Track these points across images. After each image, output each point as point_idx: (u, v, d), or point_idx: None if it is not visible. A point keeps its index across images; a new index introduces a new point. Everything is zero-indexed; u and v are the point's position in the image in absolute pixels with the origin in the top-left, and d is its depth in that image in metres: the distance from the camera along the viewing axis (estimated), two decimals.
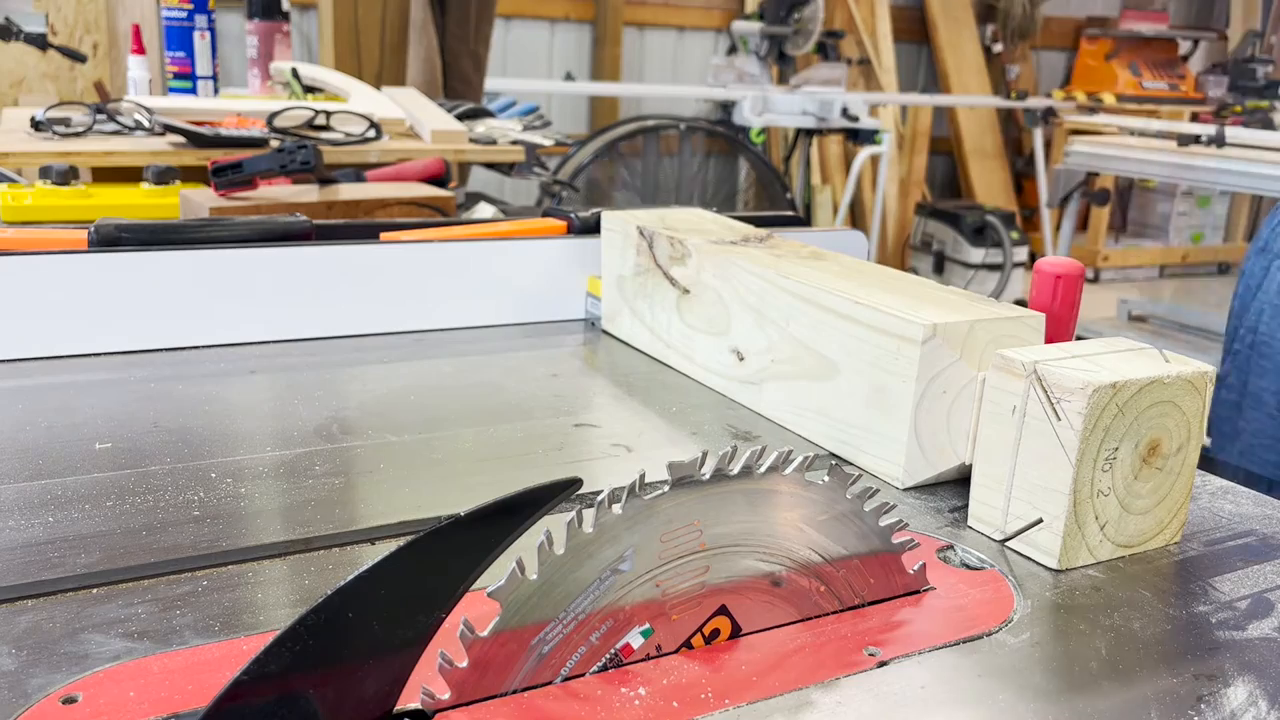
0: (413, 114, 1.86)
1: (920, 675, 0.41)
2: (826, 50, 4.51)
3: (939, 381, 0.57)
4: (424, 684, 0.37)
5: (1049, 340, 0.61)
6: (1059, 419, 0.48)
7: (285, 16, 2.41)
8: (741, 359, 0.72)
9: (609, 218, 0.86)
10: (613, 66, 4.65)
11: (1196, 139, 2.80)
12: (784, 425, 0.68)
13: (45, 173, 1.30)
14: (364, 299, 0.84)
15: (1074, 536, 0.50)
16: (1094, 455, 0.49)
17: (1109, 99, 5.03)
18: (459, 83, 2.67)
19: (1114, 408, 0.48)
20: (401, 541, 0.35)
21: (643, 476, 0.40)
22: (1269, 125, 4.39)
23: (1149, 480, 0.51)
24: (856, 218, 4.89)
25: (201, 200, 1.18)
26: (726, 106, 4.28)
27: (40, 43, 2.47)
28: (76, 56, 2.63)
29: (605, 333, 0.88)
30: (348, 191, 1.29)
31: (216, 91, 2.24)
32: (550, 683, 0.39)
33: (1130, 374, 0.49)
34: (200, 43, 2.18)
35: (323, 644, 0.34)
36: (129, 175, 1.50)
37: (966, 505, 0.58)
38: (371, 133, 1.67)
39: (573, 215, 0.99)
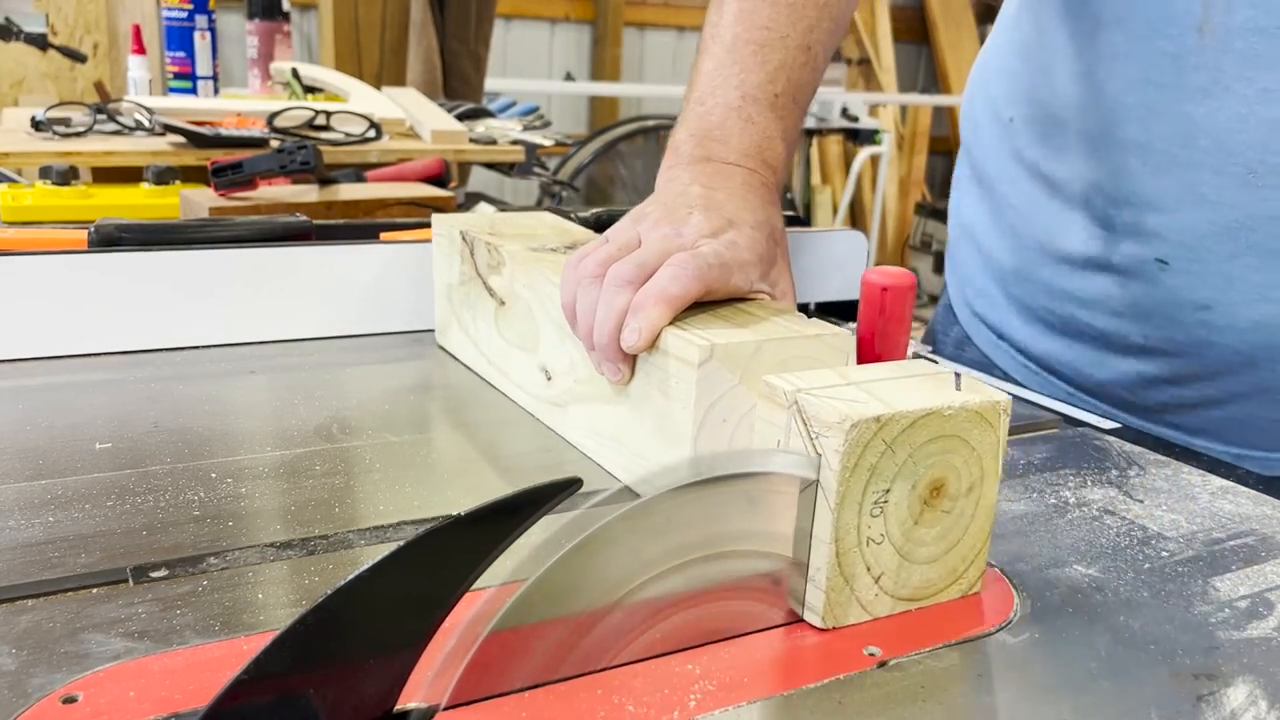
0: (413, 114, 1.86)
1: (920, 675, 0.41)
2: None
3: (719, 409, 0.51)
4: (424, 684, 0.36)
5: (876, 360, 0.54)
6: (819, 456, 0.42)
7: (285, 16, 2.41)
8: (549, 378, 0.65)
9: (438, 221, 0.78)
10: (613, 66, 4.66)
11: None
12: (586, 453, 0.62)
13: (45, 173, 1.30)
14: (364, 299, 0.84)
15: (840, 591, 0.43)
16: (859, 498, 0.42)
17: None
18: (459, 83, 2.67)
19: (880, 444, 0.42)
20: (401, 541, 0.35)
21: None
22: None
23: (934, 525, 0.45)
24: (856, 218, 4.89)
25: (201, 200, 1.18)
26: None
27: (40, 43, 2.47)
28: (77, 56, 2.63)
29: (440, 347, 0.82)
30: (348, 191, 1.29)
31: (217, 92, 2.24)
32: (550, 683, 0.39)
33: (903, 405, 0.42)
34: (200, 43, 2.18)
35: (323, 644, 0.34)
36: (129, 175, 1.50)
37: None
38: (371, 133, 1.67)
39: (573, 215, 0.99)
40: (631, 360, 0.55)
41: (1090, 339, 0.82)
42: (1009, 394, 0.47)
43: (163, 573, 0.46)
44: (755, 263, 0.57)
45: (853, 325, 0.96)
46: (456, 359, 0.79)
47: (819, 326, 0.54)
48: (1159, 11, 0.68)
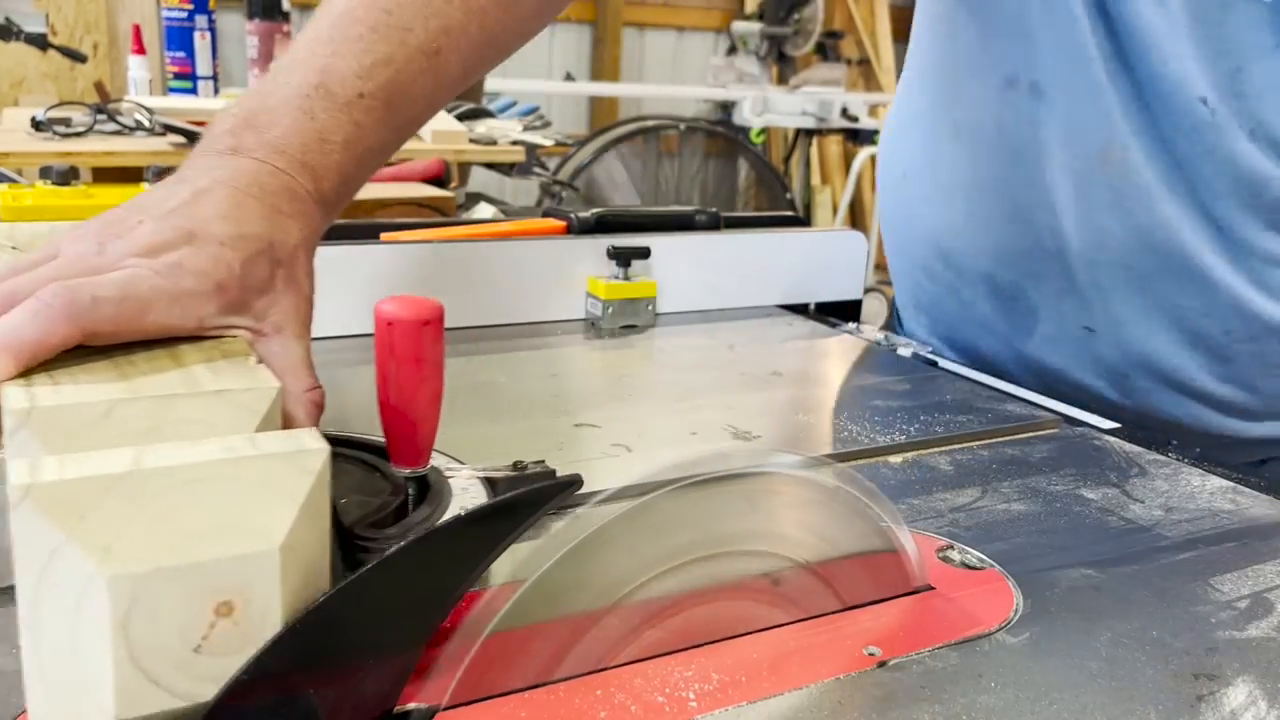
0: None
1: (920, 675, 0.41)
2: (826, 50, 4.51)
3: None
4: (424, 684, 0.37)
5: (395, 414, 0.46)
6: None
7: (285, 16, 2.41)
8: None
9: None
10: (613, 66, 4.65)
11: None
12: None
13: (45, 173, 1.30)
14: (363, 299, 0.84)
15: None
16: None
17: None
18: None
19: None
20: (402, 542, 0.35)
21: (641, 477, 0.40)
22: None
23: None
24: (856, 218, 4.89)
25: None
26: (726, 107, 4.28)
27: (40, 43, 2.47)
28: (77, 56, 2.63)
29: None
30: None
31: (217, 92, 2.24)
32: (550, 682, 0.39)
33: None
34: (200, 43, 2.18)
35: (323, 644, 0.34)
36: (129, 175, 1.50)
37: (967, 505, 0.58)
38: None
39: (573, 215, 0.99)
40: None
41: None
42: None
43: None
44: (210, 292, 0.45)
45: (852, 326, 0.96)
46: None
47: (236, 380, 0.41)
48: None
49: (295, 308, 0.49)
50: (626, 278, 0.90)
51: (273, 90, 0.54)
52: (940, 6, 0.86)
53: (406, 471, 0.47)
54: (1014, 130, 0.80)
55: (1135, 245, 0.77)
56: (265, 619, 0.33)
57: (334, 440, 0.49)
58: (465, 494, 0.48)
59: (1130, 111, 0.74)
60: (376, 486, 0.47)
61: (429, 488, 0.47)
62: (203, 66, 2.18)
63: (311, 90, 0.53)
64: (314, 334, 0.83)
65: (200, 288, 0.44)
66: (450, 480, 0.48)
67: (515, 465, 0.51)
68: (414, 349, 0.45)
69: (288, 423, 0.45)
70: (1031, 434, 0.70)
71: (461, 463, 0.51)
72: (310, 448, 0.35)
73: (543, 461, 0.51)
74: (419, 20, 0.57)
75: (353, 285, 0.84)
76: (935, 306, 0.96)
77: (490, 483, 0.49)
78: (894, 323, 1.05)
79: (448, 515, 0.45)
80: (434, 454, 0.51)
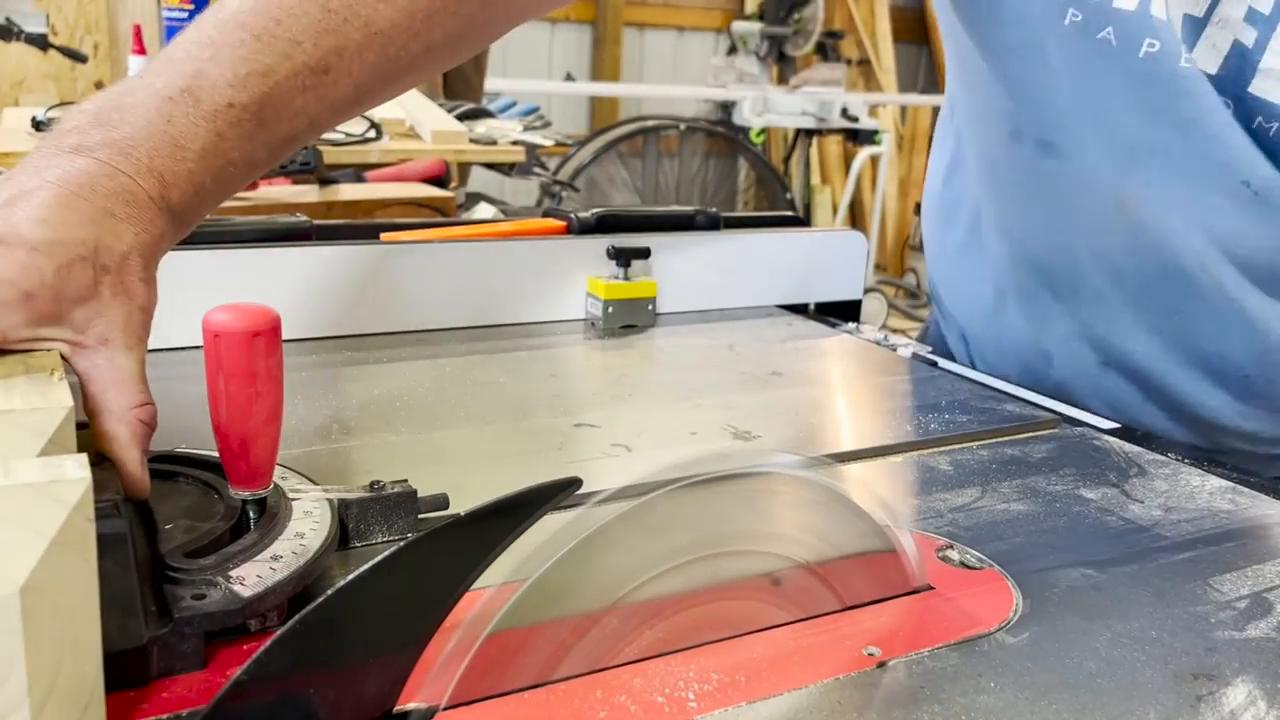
0: (413, 114, 1.86)
1: (920, 675, 0.41)
2: (826, 50, 4.51)
3: None
4: (424, 684, 0.37)
5: (226, 433, 0.43)
6: None
7: None
8: None
9: None
10: (613, 66, 4.66)
11: None
12: None
13: None
14: (364, 299, 0.84)
15: None
16: None
17: None
18: (459, 83, 2.67)
19: None
20: (401, 542, 0.35)
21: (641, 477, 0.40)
22: None
23: None
24: (856, 218, 4.89)
25: None
26: (726, 107, 4.28)
27: (41, 43, 2.47)
28: (77, 57, 2.63)
29: None
30: (348, 191, 1.29)
31: None
32: (550, 682, 0.39)
33: None
34: None
35: (323, 644, 0.34)
36: None
37: (967, 505, 0.58)
38: (372, 133, 1.67)
39: (573, 215, 0.99)
40: None
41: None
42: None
43: None
44: (15, 301, 0.42)
45: (852, 326, 0.96)
46: None
47: (24, 399, 0.39)
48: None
49: (125, 318, 0.46)
50: (626, 278, 0.90)
51: (135, 89, 0.50)
52: (955, 47, 0.86)
53: (245, 494, 0.45)
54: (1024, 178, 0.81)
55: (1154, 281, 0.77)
56: (7, 675, 0.28)
57: (178, 459, 0.48)
58: (309, 518, 0.45)
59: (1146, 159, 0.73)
60: (210, 510, 0.45)
61: (266, 511, 0.45)
62: None
63: (176, 94, 0.49)
64: (315, 335, 0.83)
65: (4, 297, 0.42)
66: (295, 502, 0.46)
67: (371, 485, 0.50)
68: (244, 363, 0.42)
69: (107, 443, 0.43)
70: (1031, 434, 0.70)
71: (314, 483, 0.49)
72: (69, 477, 0.31)
73: (405, 480, 0.50)
74: (310, 36, 0.53)
75: (352, 285, 0.84)
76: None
77: (342, 505, 0.48)
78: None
79: (282, 540, 0.43)
80: (293, 474, 0.49)
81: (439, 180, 1.52)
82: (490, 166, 1.99)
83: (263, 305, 0.43)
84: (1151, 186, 0.73)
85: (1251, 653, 0.44)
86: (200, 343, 0.43)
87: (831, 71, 4.30)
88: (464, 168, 2.14)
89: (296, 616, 0.32)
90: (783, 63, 4.53)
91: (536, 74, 4.49)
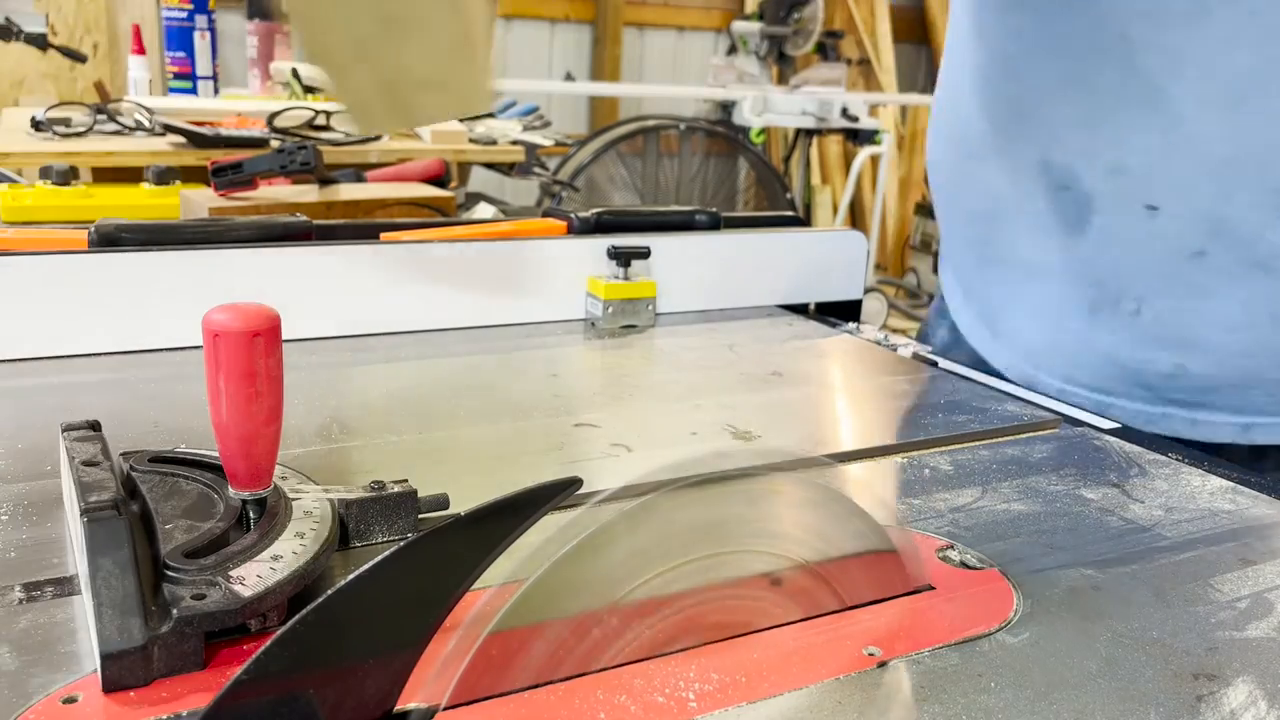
0: None
1: (920, 675, 0.41)
2: (826, 50, 4.51)
3: None
4: (424, 684, 0.37)
5: (226, 433, 0.43)
6: None
7: (285, 17, 2.41)
8: None
9: None
10: (613, 66, 4.66)
11: None
12: None
13: (45, 173, 1.30)
14: (364, 299, 0.84)
15: None
16: None
17: None
18: None
19: None
20: (402, 542, 0.35)
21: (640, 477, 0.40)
22: None
23: None
24: (856, 218, 4.89)
25: (201, 200, 1.18)
26: (726, 106, 4.27)
27: (40, 43, 2.47)
28: (77, 57, 2.63)
29: None
30: (348, 191, 1.29)
31: (217, 92, 2.24)
32: (550, 683, 0.39)
33: None
34: (200, 43, 2.18)
35: (323, 644, 0.34)
36: (129, 175, 1.50)
37: (967, 505, 0.58)
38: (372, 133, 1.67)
39: (573, 215, 0.99)
40: None
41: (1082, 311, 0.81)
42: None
43: None
44: None
45: (852, 326, 0.96)
46: None
47: None
48: None
49: None
50: (626, 278, 0.90)
51: None
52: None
53: (245, 495, 0.45)
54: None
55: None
56: None
57: (179, 459, 0.49)
58: (309, 518, 0.45)
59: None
60: (210, 510, 0.45)
61: (266, 511, 0.45)
62: (202, 66, 2.18)
63: None
64: (315, 335, 0.83)
65: None
66: (295, 502, 0.46)
67: (372, 485, 0.50)
68: (244, 363, 0.42)
69: None
70: (1031, 434, 0.70)
71: (314, 483, 0.49)
72: None
73: (405, 480, 0.50)
74: None
75: (352, 285, 0.84)
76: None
77: (342, 505, 0.48)
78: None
79: (282, 540, 0.43)
80: (293, 474, 0.49)
81: (439, 180, 1.52)
82: (490, 166, 1.99)
83: (263, 305, 0.43)
84: None
85: (1252, 653, 0.44)
86: (200, 343, 0.43)
87: (831, 71, 4.29)
88: (464, 168, 2.14)
89: (296, 616, 0.32)
90: (783, 63, 4.52)
91: (536, 74, 4.49)
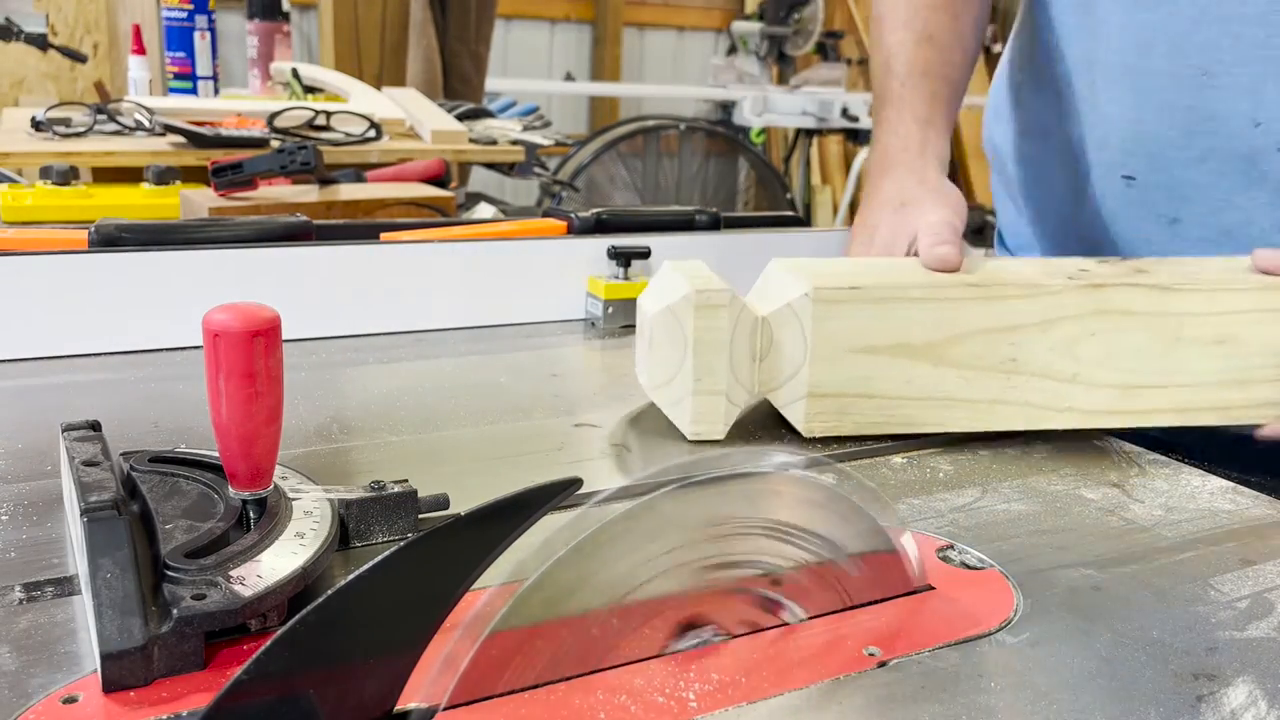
0: (413, 114, 1.86)
1: (920, 675, 0.41)
2: (826, 50, 4.51)
3: None
4: (424, 684, 0.37)
5: (226, 432, 0.43)
6: None
7: (285, 17, 2.41)
8: None
9: None
10: (613, 66, 4.65)
11: None
12: None
13: (45, 173, 1.30)
14: (364, 299, 0.84)
15: None
16: None
17: None
18: (459, 83, 2.67)
19: None
20: (402, 542, 0.35)
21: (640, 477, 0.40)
22: None
23: None
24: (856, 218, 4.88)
25: (201, 200, 1.18)
26: (726, 106, 4.27)
27: (40, 43, 2.47)
28: (77, 57, 2.63)
29: None
30: (348, 191, 1.29)
31: (217, 92, 2.24)
32: (550, 683, 0.39)
33: None
34: (200, 43, 2.18)
35: (323, 644, 0.34)
36: (129, 175, 1.50)
37: (967, 505, 0.58)
38: (372, 133, 1.67)
39: (573, 215, 0.99)
40: None
41: None
42: None
43: None
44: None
45: None
46: None
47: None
48: None
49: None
50: (626, 278, 0.90)
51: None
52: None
53: (245, 495, 0.45)
54: None
55: None
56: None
57: (179, 459, 0.49)
58: (309, 518, 0.45)
59: None
60: (210, 510, 0.45)
61: (266, 511, 0.45)
62: (203, 66, 2.18)
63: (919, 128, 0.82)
64: (315, 335, 0.83)
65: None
66: (295, 502, 0.46)
67: (372, 485, 0.50)
68: (244, 363, 0.42)
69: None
70: (1031, 434, 0.70)
71: (314, 483, 0.49)
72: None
73: (405, 480, 0.50)
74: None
75: (352, 285, 0.84)
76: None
77: (342, 504, 0.48)
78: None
79: (282, 540, 0.43)
80: (293, 474, 0.49)
81: (439, 180, 1.52)
82: (490, 166, 1.99)
83: (263, 305, 0.43)
84: None
85: (1252, 653, 0.44)
86: (200, 343, 0.43)
87: (831, 71, 4.29)
88: (464, 168, 2.14)
89: (296, 616, 0.32)
90: (783, 63, 4.52)
91: (536, 74, 4.49)
